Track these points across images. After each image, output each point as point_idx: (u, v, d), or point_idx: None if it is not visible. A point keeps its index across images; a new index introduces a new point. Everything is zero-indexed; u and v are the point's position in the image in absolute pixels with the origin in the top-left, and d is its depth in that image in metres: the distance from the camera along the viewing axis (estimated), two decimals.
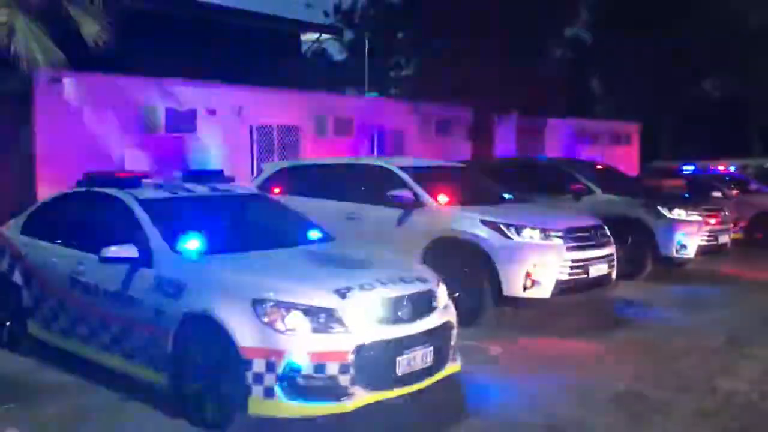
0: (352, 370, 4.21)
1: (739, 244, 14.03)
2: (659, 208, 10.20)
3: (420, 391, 4.67)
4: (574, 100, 33.09)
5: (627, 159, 25.47)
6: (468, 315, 7.21)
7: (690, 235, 10.05)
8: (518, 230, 7.12)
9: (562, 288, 7.09)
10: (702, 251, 10.17)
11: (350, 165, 9.06)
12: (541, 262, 6.99)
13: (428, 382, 4.66)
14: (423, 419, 4.80)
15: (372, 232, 8.13)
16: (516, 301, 7.09)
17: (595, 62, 34.62)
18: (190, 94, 12.26)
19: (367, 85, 21.19)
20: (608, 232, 7.86)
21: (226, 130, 12.87)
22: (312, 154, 14.21)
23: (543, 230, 7.15)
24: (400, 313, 4.56)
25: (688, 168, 17.07)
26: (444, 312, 4.94)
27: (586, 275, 7.25)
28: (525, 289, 6.99)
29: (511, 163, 12.83)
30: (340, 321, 4.30)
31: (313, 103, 14.33)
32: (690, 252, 10.06)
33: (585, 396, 5.26)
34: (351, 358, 4.21)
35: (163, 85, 11.90)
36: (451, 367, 4.93)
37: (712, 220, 10.41)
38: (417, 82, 16.01)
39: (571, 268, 7.12)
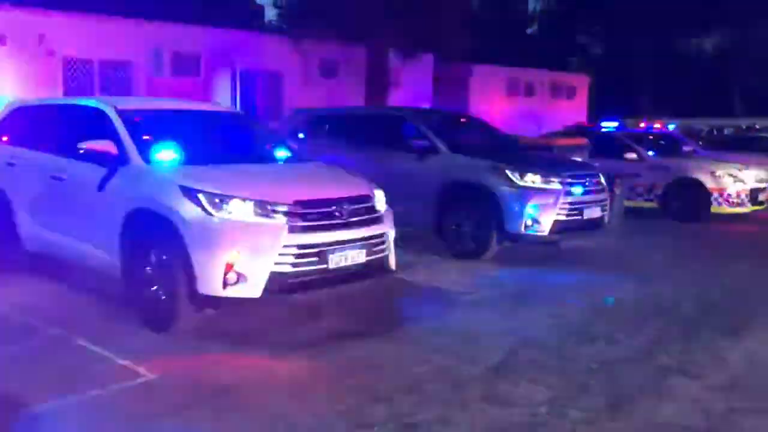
0: None
1: (651, 216, 12.31)
2: (508, 172, 8.26)
3: None
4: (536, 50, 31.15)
5: (571, 114, 23.49)
6: (162, 319, 5.39)
7: (544, 207, 8.15)
8: (224, 202, 5.16)
9: (283, 284, 5.17)
10: (559, 228, 8.26)
11: (65, 106, 7.00)
12: (248, 247, 5.05)
13: None
14: None
15: (73, 199, 6.23)
16: (215, 303, 5.18)
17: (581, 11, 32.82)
18: None
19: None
20: (378, 205, 5.94)
21: (21, 63, 10.75)
22: (147, 96, 12.14)
23: (259, 203, 5.19)
24: None
25: (608, 125, 15.11)
26: None
27: (324, 265, 5.32)
28: (226, 285, 5.06)
29: (357, 114, 10.80)
30: None
31: (150, 33, 12.17)
32: (543, 228, 8.17)
33: None
34: None
35: None
36: None
37: (578, 189, 8.47)
38: (299, 13, 13.77)
39: (298, 256, 5.18)
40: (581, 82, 24.70)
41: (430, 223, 8.87)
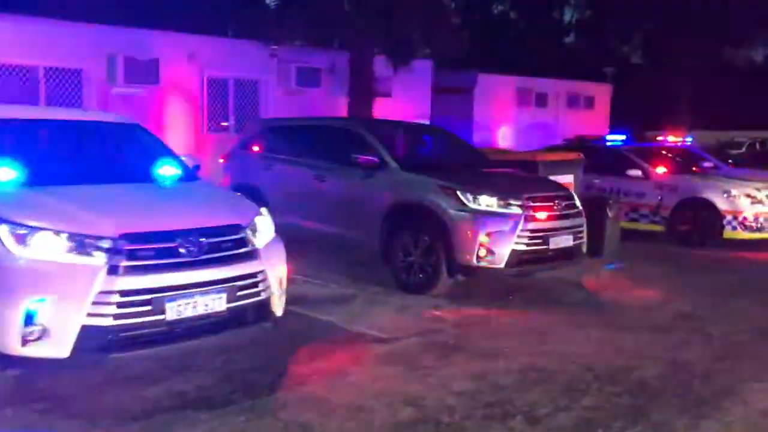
0: None
1: (656, 241, 10.99)
2: (459, 193, 7.09)
3: None
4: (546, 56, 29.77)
5: (590, 126, 22.03)
6: None
7: (499, 235, 6.95)
8: (29, 235, 4.12)
9: (101, 340, 4.11)
10: (519, 260, 7.04)
11: None
12: (53, 294, 4.00)
13: None
14: None
15: None
16: (16, 362, 4.13)
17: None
18: None
19: None
20: (256, 237, 4.84)
21: None
22: (100, 107, 11.30)
23: (74, 237, 4.13)
24: None
25: (615, 138, 13.76)
26: None
27: (160, 316, 4.23)
28: (26, 342, 4.01)
29: (309, 125, 9.70)
30: None
31: (102, 38, 11.30)
32: (498, 260, 6.96)
33: None
34: None
35: None
36: None
37: (543, 214, 7.23)
38: (273, 17, 12.74)
39: (121, 306, 4.11)
40: (602, 92, 23.25)
41: (377, 249, 7.76)
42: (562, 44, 37.56)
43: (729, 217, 10.82)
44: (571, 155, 10.75)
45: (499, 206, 7.04)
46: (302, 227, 8.70)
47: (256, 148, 9.58)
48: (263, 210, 5.25)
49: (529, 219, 7.05)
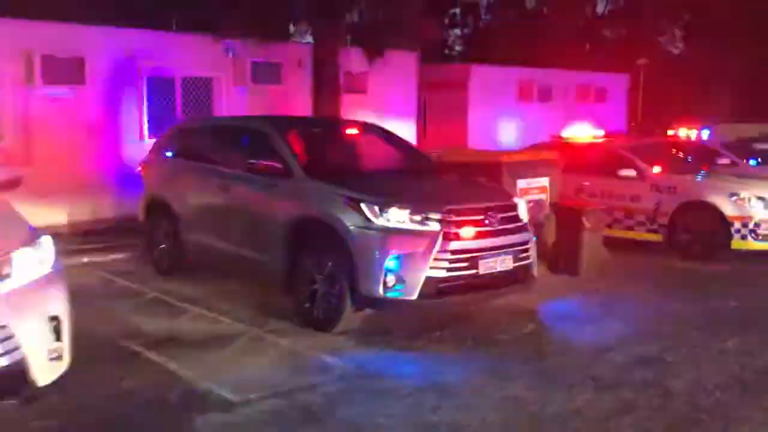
0: None
1: (654, 253, 9.48)
2: (363, 206, 5.72)
3: None
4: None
5: (604, 119, 20.31)
6: None
7: (411, 258, 5.55)
8: None
9: None
10: (437, 290, 5.61)
11: None
12: None
13: None
14: None
15: None
16: None
17: None
18: None
19: None
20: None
21: None
22: (14, 112, 10.19)
23: None
24: None
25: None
26: None
27: None
28: None
29: (216, 127, 8.43)
30: None
31: (18, 34, 10.18)
32: (410, 290, 5.55)
33: None
34: None
35: None
36: None
37: (469, 230, 5.79)
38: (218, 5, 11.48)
39: None
40: (617, 83, 21.50)
41: (280, 275, 6.43)
42: (595, 36, 35.99)
43: (737, 225, 9.22)
44: (546, 155, 9.27)
45: (413, 221, 5.65)
46: (209, 247, 7.45)
47: (169, 154, 8.36)
48: (43, 239, 3.96)
49: (449, 237, 5.64)
